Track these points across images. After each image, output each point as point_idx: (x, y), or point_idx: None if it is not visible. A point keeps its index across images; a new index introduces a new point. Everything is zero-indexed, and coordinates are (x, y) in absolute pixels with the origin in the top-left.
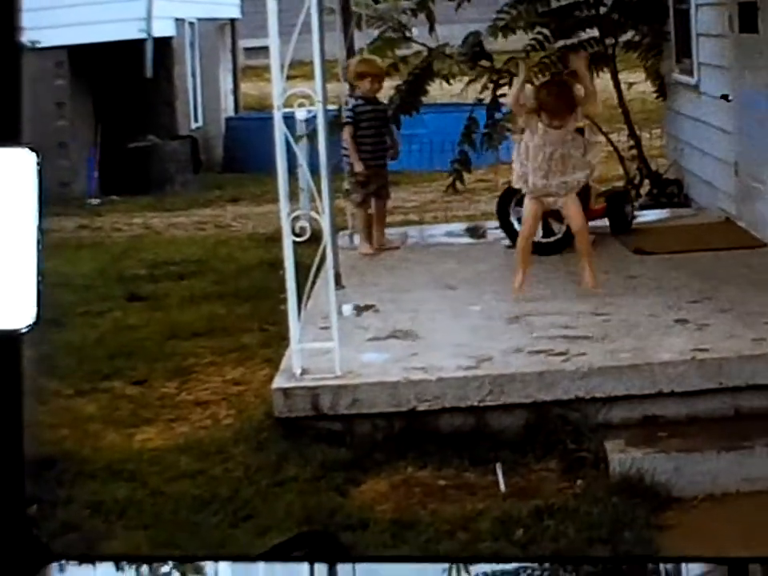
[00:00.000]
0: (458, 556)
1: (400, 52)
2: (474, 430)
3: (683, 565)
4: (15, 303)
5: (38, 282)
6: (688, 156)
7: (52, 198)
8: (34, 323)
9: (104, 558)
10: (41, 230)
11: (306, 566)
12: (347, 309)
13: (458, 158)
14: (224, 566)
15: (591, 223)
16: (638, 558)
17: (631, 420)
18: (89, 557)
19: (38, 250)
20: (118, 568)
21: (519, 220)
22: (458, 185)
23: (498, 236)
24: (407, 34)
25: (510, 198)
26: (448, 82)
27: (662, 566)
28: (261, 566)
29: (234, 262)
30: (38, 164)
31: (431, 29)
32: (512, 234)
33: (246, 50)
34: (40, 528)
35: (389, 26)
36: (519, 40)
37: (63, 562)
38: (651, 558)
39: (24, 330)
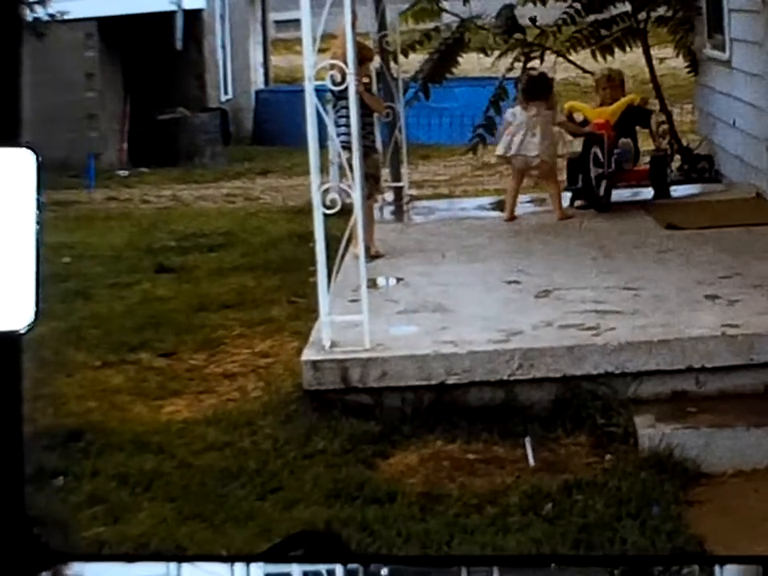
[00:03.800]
0: (456, 556)
1: (431, 23)
2: (503, 404)
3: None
4: (15, 304)
5: (37, 282)
6: (719, 131)
7: (81, 169)
8: (34, 322)
9: (105, 558)
10: (40, 231)
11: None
12: (382, 281)
13: (483, 122)
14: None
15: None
16: (670, 559)
17: (661, 395)
18: (89, 556)
19: (38, 251)
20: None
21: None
22: (481, 151)
23: (527, 210)
24: (440, 5)
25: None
26: (485, 53)
27: None
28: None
29: (264, 235)
30: (38, 163)
31: None
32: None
33: (276, 22)
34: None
35: None
36: (550, 15)
37: (63, 561)
38: (683, 557)
39: (24, 331)
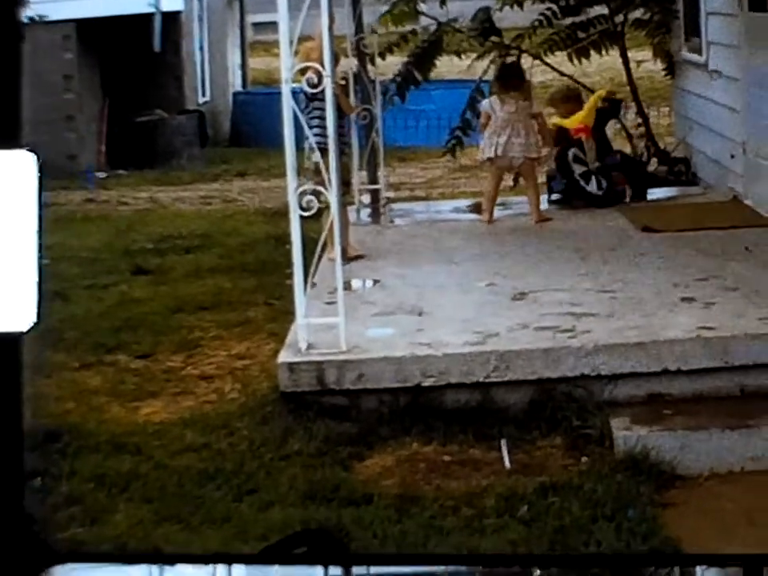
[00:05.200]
0: (458, 554)
1: (408, 25)
2: (479, 406)
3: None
4: (15, 306)
5: (39, 285)
6: (696, 134)
7: (59, 171)
8: (34, 325)
9: (105, 558)
10: (40, 232)
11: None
12: (359, 283)
13: (459, 125)
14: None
15: None
16: (650, 558)
17: (637, 397)
18: (91, 556)
19: (38, 251)
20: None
21: (582, 175)
22: (458, 153)
23: (503, 213)
24: (417, 8)
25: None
26: (459, 56)
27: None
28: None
29: (241, 236)
30: (39, 166)
31: (443, 1)
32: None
33: (255, 24)
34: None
35: None
36: (527, 17)
37: (65, 562)
38: (664, 558)
39: (23, 333)
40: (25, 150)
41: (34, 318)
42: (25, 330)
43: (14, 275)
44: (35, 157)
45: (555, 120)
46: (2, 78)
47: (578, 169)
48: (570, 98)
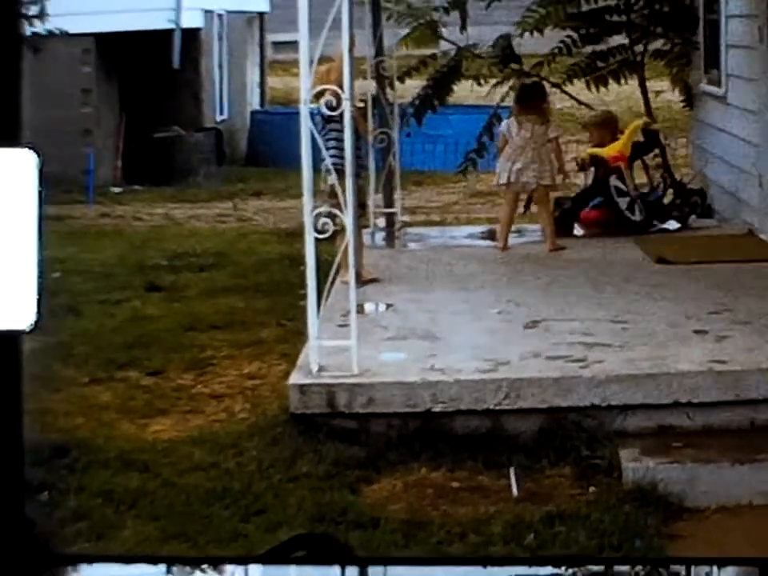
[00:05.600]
0: (460, 557)
1: (427, 49)
2: (488, 433)
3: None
4: (15, 304)
5: (39, 283)
6: (712, 166)
7: (74, 185)
8: (34, 323)
9: (105, 559)
10: (41, 230)
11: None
12: (372, 306)
13: (474, 147)
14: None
15: None
16: (665, 561)
17: (646, 429)
18: (90, 558)
19: (39, 251)
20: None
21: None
22: (473, 178)
23: (517, 240)
24: (438, 32)
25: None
26: (479, 83)
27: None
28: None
29: (254, 256)
30: (39, 164)
31: (463, 27)
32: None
33: (274, 44)
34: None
35: (420, 23)
36: (547, 44)
37: (64, 564)
38: (682, 560)
39: (24, 331)
40: (24, 147)
41: (34, 317)
42: (25, 328)
43: (14, 273)
44: (35, 155)
45: (591, 151)
46: (3, 77)
47: (622, 203)
48: (606, 124)
